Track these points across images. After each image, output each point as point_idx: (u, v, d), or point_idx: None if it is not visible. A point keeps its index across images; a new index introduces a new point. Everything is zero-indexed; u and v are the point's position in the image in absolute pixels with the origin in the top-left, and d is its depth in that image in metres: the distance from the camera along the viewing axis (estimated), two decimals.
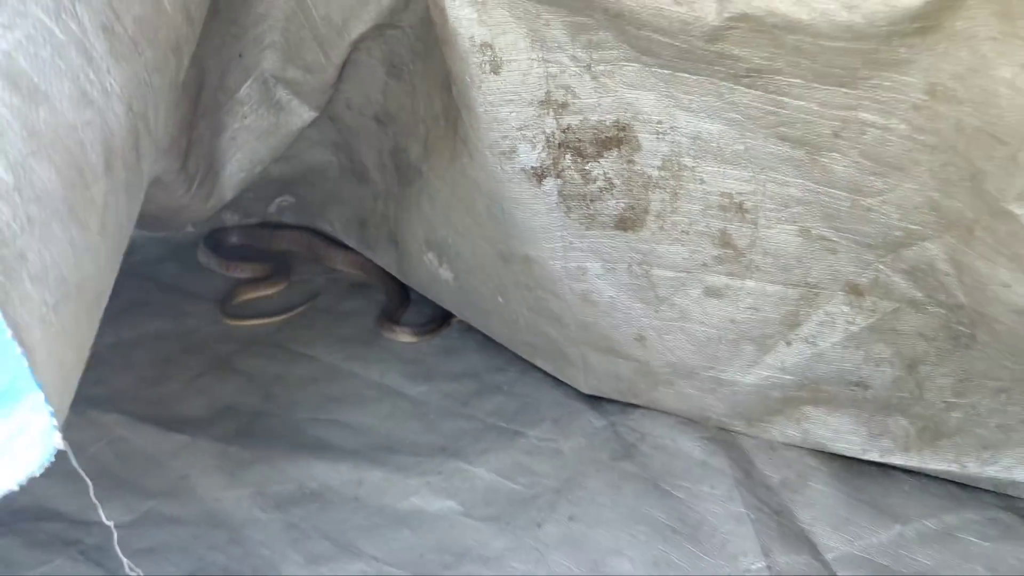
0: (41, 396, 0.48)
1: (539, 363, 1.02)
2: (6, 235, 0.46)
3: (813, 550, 0.78)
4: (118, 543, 0.77)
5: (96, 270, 0.57)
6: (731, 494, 0.84)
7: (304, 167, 1.18)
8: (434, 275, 1.06)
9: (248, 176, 1.09)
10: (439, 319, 1.13)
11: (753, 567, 0.77)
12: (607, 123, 0.78)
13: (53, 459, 0.48)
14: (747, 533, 0.80)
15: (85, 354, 0.57)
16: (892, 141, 0.68)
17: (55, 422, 0.47)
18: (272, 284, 1.22)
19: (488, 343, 1.06)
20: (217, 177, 1.05)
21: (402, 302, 1.16)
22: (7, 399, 0.55)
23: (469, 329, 1.09)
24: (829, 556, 0.78)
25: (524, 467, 0.89)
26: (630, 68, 0.74)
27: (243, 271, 1.24)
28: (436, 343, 1.11)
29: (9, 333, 0.44)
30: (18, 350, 0.45)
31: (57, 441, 0.47)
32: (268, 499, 0.85)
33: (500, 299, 0.98)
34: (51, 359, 0.48)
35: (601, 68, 0.75)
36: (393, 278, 1.17)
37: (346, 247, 1.25)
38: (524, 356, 1.03)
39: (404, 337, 1.11)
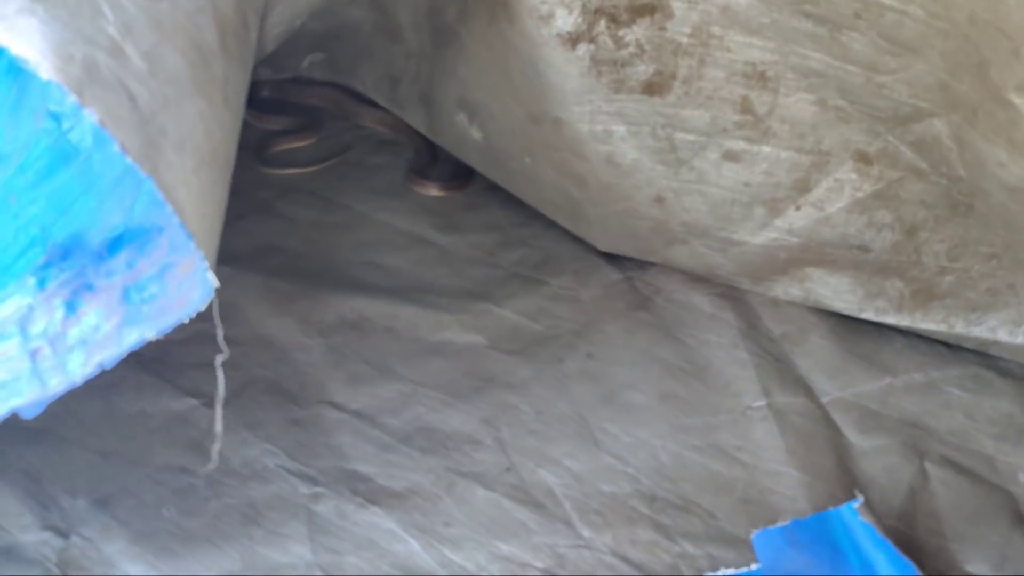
0: (191, 244, 0.56)
1: (560, 221, 1.08)
2: (147, 113, 0.53)
3: (809, 393, 0.86)
4: (175, 358, 0.86)
5: (223, 137, 0.65)
6: (736, 342, 0.92)
7: (339, 23, 1.22)
8: (464, 135, 1.11)
9: (288, 30, 1.12)
10: (463, 176, 1.18)
11: (754, 404, 0.85)
12: None
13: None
14: (749, 376, 0.88)
15: (223, 210, 0.65)
16: (908, 25, 0.73)
17: (207, 265, 0.55)
18: (304, 137, 1.27)
19: (511, 201, 1.12)
20: (260, 29, 1.09)
21: (430, 159, 1.21)
22: (134, 239, 0.62)
23: (492, 187, 1.14)
24: (824, 399, 0.86)
25: (546, 311, 0.96)
26: None
27: (275, 123, 1.29)
28: (461, 199, 1.17)
29: (161, 195, 0.51)
30: (169, 208, 0.52)
31: (213, 280, 0.55)
32: (311, 326, 0.92)
33: (527, 159, 1.03)
34: (196, 215, 0.56)
35: None
36: (421, 136, 1.22)
37: (374, 105, 1.29)
38: (547, 214, 1.09)
39: (432, 191, 1.17)
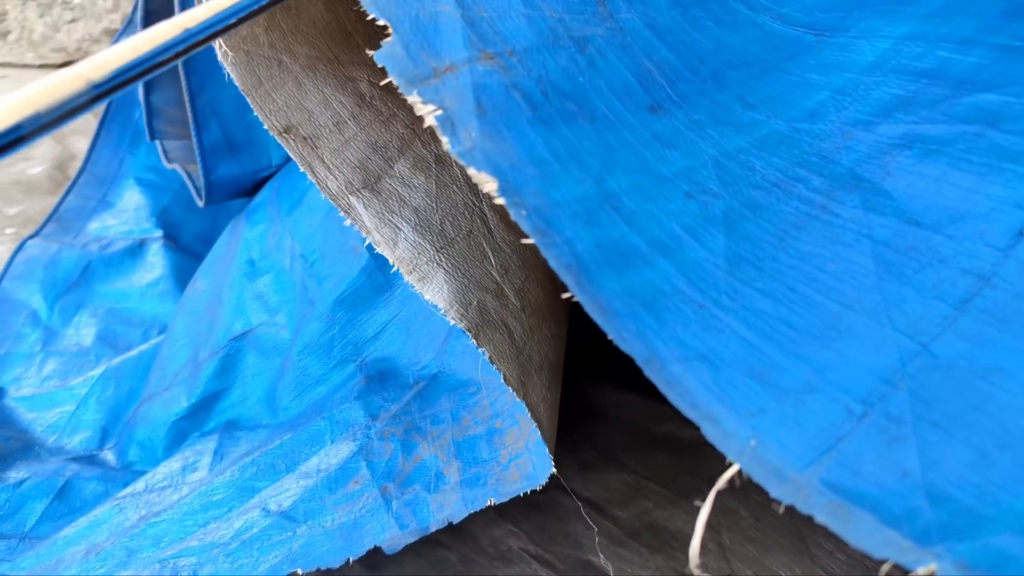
0: (544, 448, 0.65)
1: None
2: (520, 345, 0.62)
3: None
4: None
5: (561, 352, 0.73)
6: None
7: None
8: None
9: None
10: None
11: None
12: None
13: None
14: None
15: (558, 408, 0.73)
16: None
17: (552, 460, 0.63)
18: None
19: None
20: None
21: None
22: (451, 387, 0.71)
23: None
24: None
25: None
26: None
27: None
28: None
29: (529, 414, 0.60)
30: (534, 424, 0.62)
31: (552, 470, 0.63)
32: None
33: None
34: (547, 423, 0.64)
35: None
36: None
37: None
38: None
39: None
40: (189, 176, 1.02)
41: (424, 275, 0.57)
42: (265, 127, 0.54)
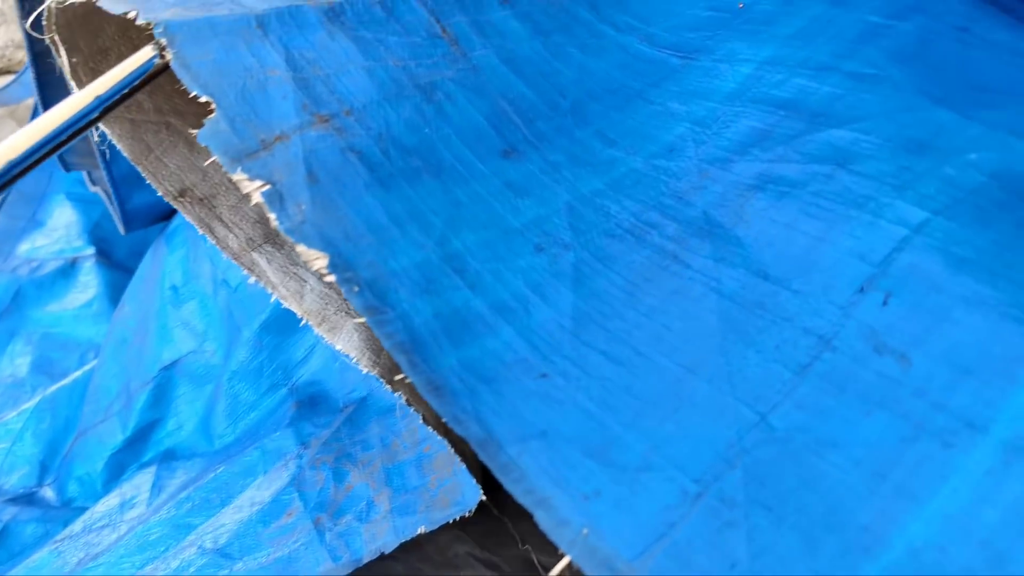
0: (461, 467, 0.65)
1: None
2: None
3: None
4: None
5: None
6: None
7: None
8: None
9: None
10: None
11: None
12: None
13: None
14: None
15: None
16: None
17: (480, 488, 0.63)
18: None
19: None
20: None
21: None
22: (379, 411, 0.71)
23: None
24: None
25: None
26: None
27: None
28: None
29: (453, 450, 0.58)
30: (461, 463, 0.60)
31: (481, 497, 0.63)
32: None
33: None
34: (472, 456, 0.64)
35: None
36: None
37: None
38: None
39: None
40: (111, 200, 1.01)
41: (333, 325, 0.57)
42: (159, 194, 0.53)
